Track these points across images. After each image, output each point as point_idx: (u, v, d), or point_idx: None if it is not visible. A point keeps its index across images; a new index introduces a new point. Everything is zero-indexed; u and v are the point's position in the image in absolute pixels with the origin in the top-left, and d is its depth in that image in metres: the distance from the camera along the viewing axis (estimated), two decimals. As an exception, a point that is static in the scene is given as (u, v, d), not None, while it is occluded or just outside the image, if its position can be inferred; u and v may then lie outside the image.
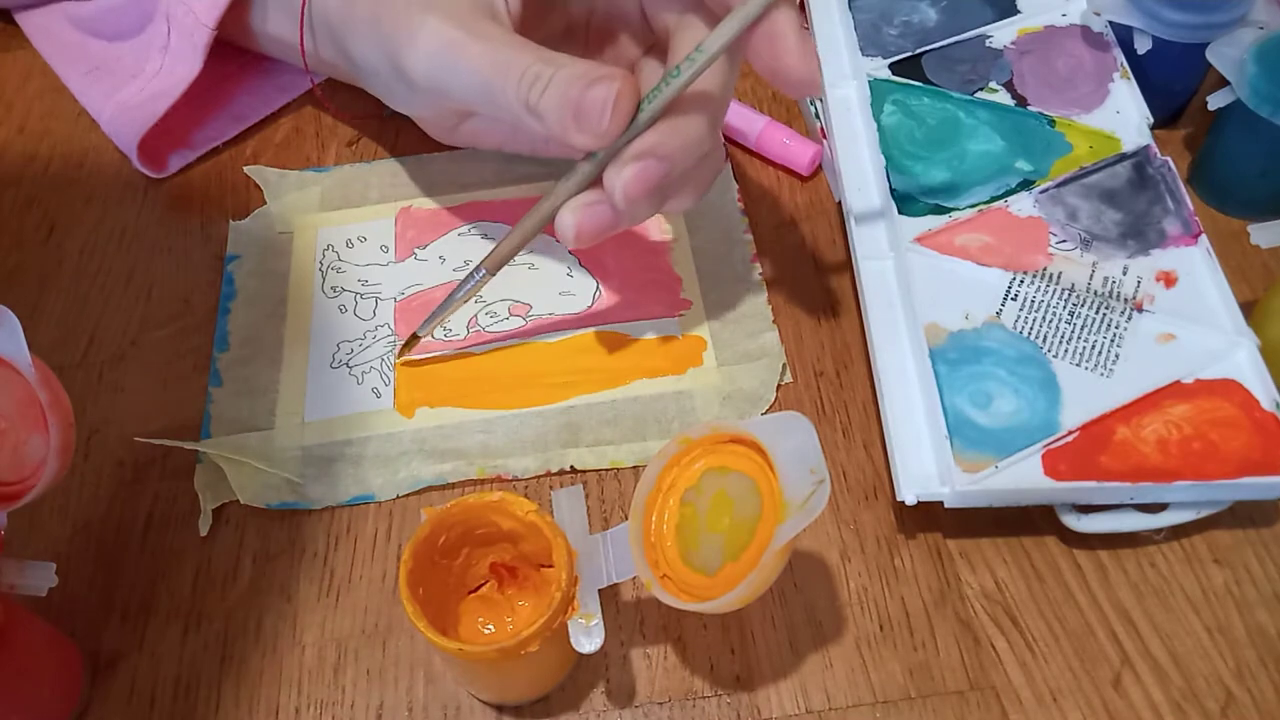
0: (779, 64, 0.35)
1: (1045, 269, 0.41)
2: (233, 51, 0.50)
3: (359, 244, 0.47)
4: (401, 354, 0.43)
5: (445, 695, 0.35)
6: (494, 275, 0.40)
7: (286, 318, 0.45)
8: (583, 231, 0.36)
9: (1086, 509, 0.37)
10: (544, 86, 0.35)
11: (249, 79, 0.53)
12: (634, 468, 0.40)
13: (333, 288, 0.46)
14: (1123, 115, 0.46)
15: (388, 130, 0.52)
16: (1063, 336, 0.39)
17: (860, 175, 0.45)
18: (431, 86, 0.38)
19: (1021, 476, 0.36)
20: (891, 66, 0.48)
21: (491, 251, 0.39)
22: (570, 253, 0.46)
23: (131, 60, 0.50)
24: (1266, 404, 0.37)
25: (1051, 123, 0.46)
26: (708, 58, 0.34)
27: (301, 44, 0.45)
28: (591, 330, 0.44)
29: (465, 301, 0.41)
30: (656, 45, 0.41)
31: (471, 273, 0.40)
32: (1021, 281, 0.41)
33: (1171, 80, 0.49)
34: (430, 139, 0.48)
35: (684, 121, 0.35)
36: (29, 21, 0.55)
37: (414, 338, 0.42)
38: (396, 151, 0.51)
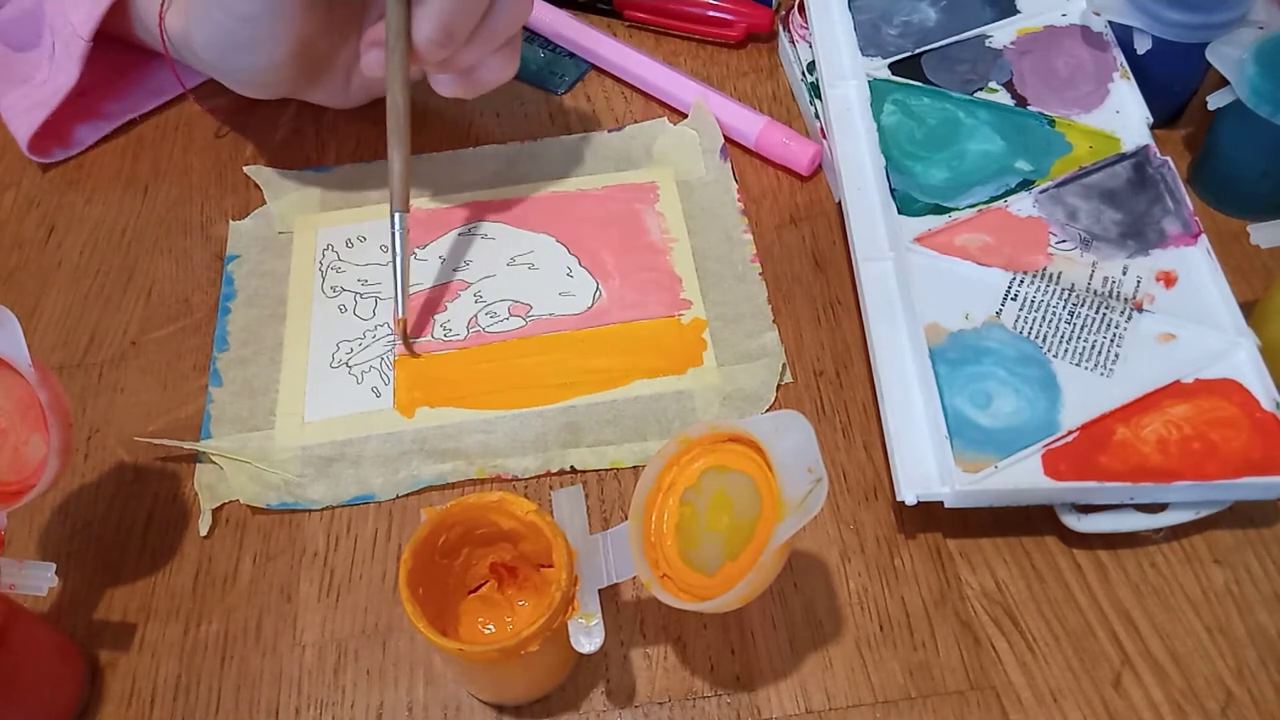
0: None
1: (1045, 269, 0.41)
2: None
3: (359, 244, 0.47)
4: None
5: (445, 695, 0.35)
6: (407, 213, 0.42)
7: (286, 317, 0.45)
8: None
9: (1086, 509, 0.37)
10: None
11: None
12: (634, 468, 0.40)
13: (332, 287, 0.46)
14: (1123, 115, 0.46)
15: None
16: (1063, 336, 0.39)
17: (860, 175, 0.45)
18: None
19: (1021, 476, 0.36)
20: (891, 66, 0.48)
21: (391, 190, 0.42)
22: (571, 253, 0.46)
23: (22, 69, 0.52)
24: (1266, 404, 0.37)
25: (1051, 123, 0.46)
26: None
27: (162, 32, 0.46)
28: (591, 330, 0.44)
29: (408, 258, 0.43)
30: None
31: (391, 220, 0.42)
32: (1021, 281, 0.41)
33: (1171, 80, 0.49)
34: (430, 139, 0.48)
35: None
36: None
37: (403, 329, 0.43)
38: (396, 151, 0.51)
